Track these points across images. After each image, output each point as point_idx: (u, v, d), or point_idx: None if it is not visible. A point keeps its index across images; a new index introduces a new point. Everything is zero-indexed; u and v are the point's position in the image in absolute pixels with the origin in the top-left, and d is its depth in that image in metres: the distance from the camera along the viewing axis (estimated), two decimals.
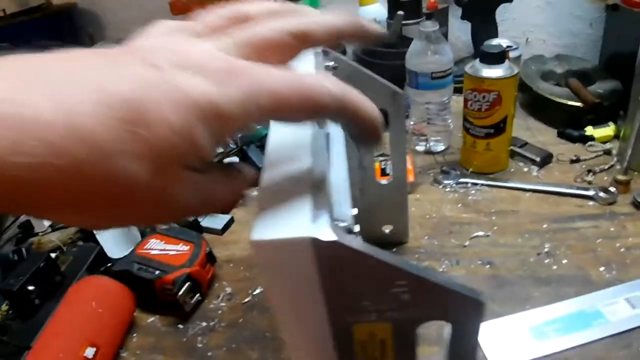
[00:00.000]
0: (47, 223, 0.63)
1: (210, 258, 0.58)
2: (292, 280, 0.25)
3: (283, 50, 0.24)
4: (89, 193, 0.17)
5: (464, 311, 0.28)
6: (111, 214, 0.19)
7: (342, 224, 0.26)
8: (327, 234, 0.23)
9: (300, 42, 0.24)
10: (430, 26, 0.67)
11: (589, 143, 0.74)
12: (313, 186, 0.26)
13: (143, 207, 0.19)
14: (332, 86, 0.22)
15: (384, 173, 0.64)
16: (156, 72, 0.18)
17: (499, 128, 0.66)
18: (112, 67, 0.18)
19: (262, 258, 0.24)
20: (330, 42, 0.25)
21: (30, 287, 0.52)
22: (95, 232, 0.64)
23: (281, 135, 0.32)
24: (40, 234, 0.62)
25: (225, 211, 0.25)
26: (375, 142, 0.26)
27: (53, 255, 0.59)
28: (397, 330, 0.28)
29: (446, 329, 0.29)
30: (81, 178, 0.16)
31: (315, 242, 0.23)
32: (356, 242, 0.24)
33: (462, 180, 0.69)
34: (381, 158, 0.67)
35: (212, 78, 0.19)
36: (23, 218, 0.62)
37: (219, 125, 0.19)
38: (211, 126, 0.19)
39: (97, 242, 0.64)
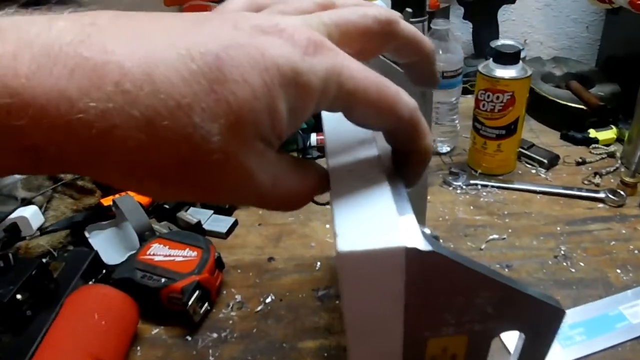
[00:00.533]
0: (35, 226, 0.58)
1: (219, 264, 0.54)
2: (375, 293, 0.22)
3: (368, 38, 0.23)
4: (159, 150, 0.16)
5: (544, 320, 0.26)
6: (179, 179, 0.18)
7: (426, 230, 0.24)
8: (422, 243, 0.21)
9: (385, 34, 0.23)
10: (442, 24, 0.66)
11: (593, 145, 0.74)
12: (389, 181, 0.24)
13: (212, 175, 0.18)
14: (411, 102, 0.22)
15: None
16: (242, 33, 0.18)
17: (511, 129, 0.65)
18: (197, 25, 0.18)
19: (348, 270, 0.21)
20: (408, 50, 0.25)
21: (21, 297, 0.47)
22: (87, 235, 0.59)
23: (336, 124, 0.30)
24: (28, 237, 0.57)
25: (291, 207, 0.23)
26: (417, 179, 0.26)
27: (43, 260, 0.54)
28: (472, 342, 0.27)
29: (518, 338, 0.28)
30: (153, 132, 0.16)
31: (411, 252, 0.21)
32: (450, 252, 0.22)
33: (471, 182, 0.68)
34: None
35: (297, 46, 0.18)
36: (9, 220, 0.57)
37: (297, 96, 0.18)
38: (290, 95, 0.18)
39: (88, 247, 0.59)
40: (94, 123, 0.15)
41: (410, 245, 0.20)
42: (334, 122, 0.30)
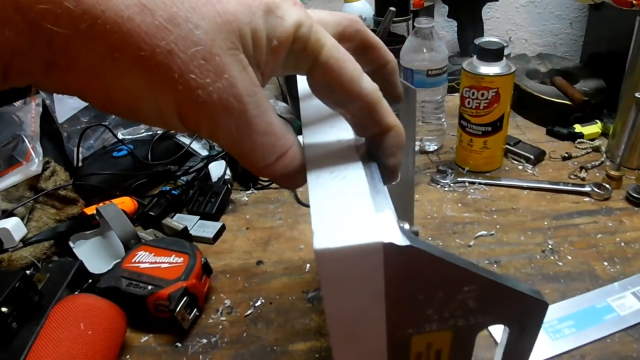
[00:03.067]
0: (17, 237, 0.57)
1: (206, 269, 0.54)
2: (356, 290, 0.22)
3: (339, 32, 0.25)
4: (147, 34, 0.17)
5: (528, 312, 0.26)
6: (162, 71, 0.18)
7: (405, 226, 0.23)
8: (399, 238, 0.21)
9: (353, 30, 0.26)
10: (426, 23, 0.66)
11: (578, 140, 0.75)
12: (367, 176, 0.24)
13: (194, 70, 0.18)
14: (373, 83, 0.23)
15: None
16: None
17: (496, 126, 0.66)
18: None
19: (326, 268, 0.21)
20: (372, 54, 0.27)
21: (6, 310, 0.46)
22: (71, 245, 0.58)
23: (313, 111, 0.30)
24: (11, 249, 0.56)
25: (272, 149, 0.22)
26: (396, 169, 0.26)
27: (27, 272, 0.53)
28: (457, 338, 0.26)
29: (503, 331, 0.28)
30: (145, 14, 0.17)
31: (388, 248, 0.21)
32: (429, 246, 0.22)
33: (459, 179, 0.68)
34: None
35: None
36: None
37: (275, 28, 0.20)
38: (270, 24, 0.20)
39: (73, 257, 0.58)
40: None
41: (387, 240, 0.20)
42: (310, 113, 0.30)
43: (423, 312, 0.24)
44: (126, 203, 0.64)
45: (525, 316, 0.26)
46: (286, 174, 0.23)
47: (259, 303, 0.53)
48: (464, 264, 0.23)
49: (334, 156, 0.26)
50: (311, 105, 0.31)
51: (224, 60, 0.19)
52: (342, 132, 0.28)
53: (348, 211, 0.22)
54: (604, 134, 0.76)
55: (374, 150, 0.26)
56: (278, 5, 0.20)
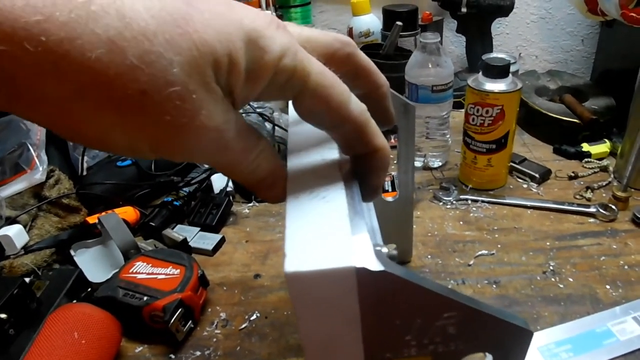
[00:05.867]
0: (19, 245, 0.58)
1: (203, 281, 0.54)
2: (329, 314, 0.22)
3: (329, 55, 0.25)
4: (117, 73, 0.16)
5: (511, 341, 0.26)
6: (136, 112, 0.17)
7: (383, 249, 0.23)
8: (373, 263, 0.21)
9: (345, 54, 0.25)
10: (431, 38, 0.66)
11: (586, 159, 0.73)
12: (347, 198, 0.24)
13: (169, 111, 0.18)
14: (362, 104, 0.23)
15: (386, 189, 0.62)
16: None
17: (501, 143, 0.65)
18: None
19: (297, 291, 0.21)
20: (363, 79, 0.27)
21: (3, 316, 0.47)
22: (73, 253, 0.59)
23: (299, 133, 0.30)
24: (12, 256, 0.57)
25: (245, 180, 0.23)
26: (378, 188, 0.26)
27: (27, 280, 0.54)
28: None
29: (485, 359, 0.27)
30: (114, 52, 0.16)
31: (360, 272, 0.20)
32: (404, 272, 0.22)
33: (462, 197, 0.67)
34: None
35: (263, 18, 0.20)
36: None
37: (256, 58, 0.19)
38: (250, 54, 0.19)
39: (74, 265, 0.59)
40: (55, 30, 0.15)
41: (360, 265, 0.20)
42: (297, 133, 0.30)
43: (401, 337, 0.24)
44: (128, 213, 0.64)
45: (509, 344, 0.26)
46: (259, 179, 0.23)
47: (254, 317, 0.53)
48: (442, 290, 0.22)
49: (316, 175, 0.26)
50: (298, 126, 0.31)
51: (200, 97, 0.18)
52: (326, 150, 0.28)
53: (323, 233, 0.21)
54: (612, 153, 0.74)
55: (359, 169, 0.26)
56: (260, 34, 0.19)
